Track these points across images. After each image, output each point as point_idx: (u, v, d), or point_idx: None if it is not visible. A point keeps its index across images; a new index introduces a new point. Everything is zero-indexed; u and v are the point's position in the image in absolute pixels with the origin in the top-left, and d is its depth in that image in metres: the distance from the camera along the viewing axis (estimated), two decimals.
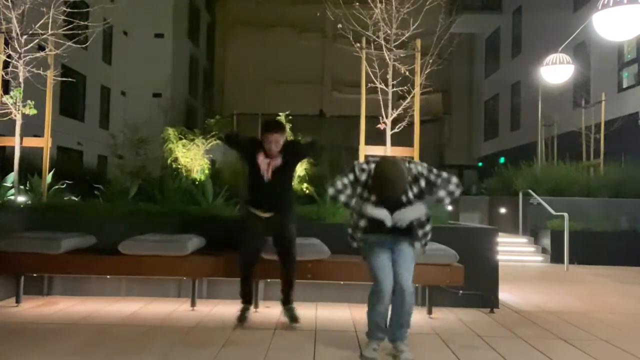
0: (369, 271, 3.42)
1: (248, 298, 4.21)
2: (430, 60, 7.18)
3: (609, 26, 7.18)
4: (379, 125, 6.83)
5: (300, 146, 4.43)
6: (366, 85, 6.95)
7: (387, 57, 6.90)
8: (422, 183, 3.28)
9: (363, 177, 3.27)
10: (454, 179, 3.26)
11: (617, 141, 12.75)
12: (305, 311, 4.58)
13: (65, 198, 6.73)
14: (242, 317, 4.10)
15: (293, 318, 4.09)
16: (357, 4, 7.62)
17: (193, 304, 4.59)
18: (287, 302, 4.17)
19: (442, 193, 3.25)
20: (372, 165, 3.26)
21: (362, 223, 3.38)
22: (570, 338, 3.98)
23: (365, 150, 6.72)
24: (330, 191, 3.32)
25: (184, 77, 28.29)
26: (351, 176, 3.30)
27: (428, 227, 3.44)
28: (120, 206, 5.59)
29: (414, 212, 3.26)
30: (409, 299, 3.30)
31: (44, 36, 6.76)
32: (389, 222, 3.21)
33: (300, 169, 10.59)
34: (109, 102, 24.03)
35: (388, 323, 3.40)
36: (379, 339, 3.41)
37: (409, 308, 3.32)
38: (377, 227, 3.30)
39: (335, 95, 29.91)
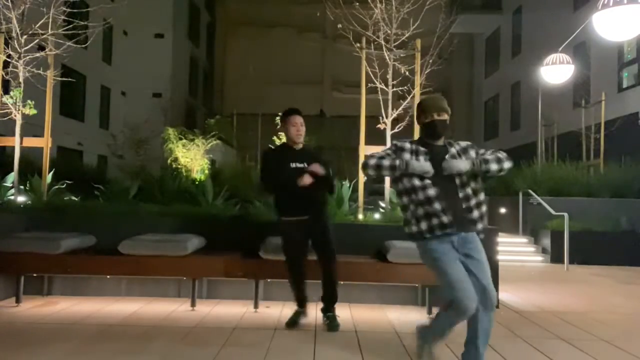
0: (443, 283, 2.90)
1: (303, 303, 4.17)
2: (430, 60, 7.18)
3: (609, 26, 7.18)
4: (379, 125, 6.83)
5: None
6: (366, 85, 6.95)
7: (387, 57, 6.90)
8: (472, 153, 2.96)
9: (405, 155, 2.92)
10: (500, 155, 2.91)
11: (617, 141, 12.76)
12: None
13: (65, 198, 6.73)
14: (293, 322, 4.06)
15: (333, 327, 3.99)
16: (357, 4, 7.62)
17: (193, 304, 4.59)
18: (327, 309, 4.10)
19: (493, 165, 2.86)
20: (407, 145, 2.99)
21: (421, 212, 2.86)
22: (570, 338, 3.98)
23: (365, 150, 6.71)
24: (372, 161, 2.91)
25: (184, 77, 28.29)
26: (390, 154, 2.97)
27: (484, 208, 2.96)
28: (120, 206, 5.60)
29: (463, 163, 2.83)
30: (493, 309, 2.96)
31: (44, 36, 6.76)
32: (430, 172, 2.82)
33: None
34: (109, 102, 24.03)
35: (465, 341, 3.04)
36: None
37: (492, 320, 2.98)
38: (436, 223, 2.83)
39: (335, 95, 29.93)
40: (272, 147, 4.29)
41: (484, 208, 2.94)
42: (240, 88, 28.74)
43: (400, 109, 7.02)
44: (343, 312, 4.58)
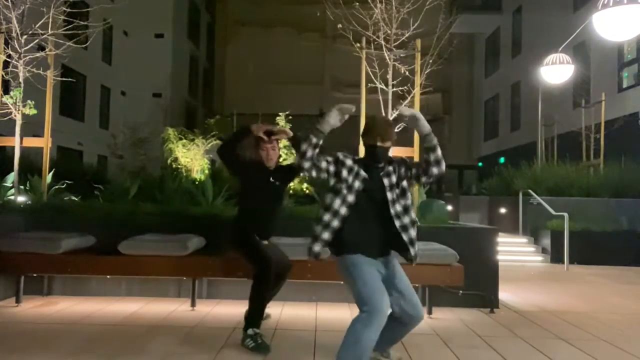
0: (356, 292, 2.76)
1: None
2: (430, 60, 7.17)
3: (609, 26, 7.18)
4: None
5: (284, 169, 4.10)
6: (366, 85, 6.95)
7: (387, 57, 6.89)
8: (403, 169, 2.95)
9: (345, 164, 2.87)
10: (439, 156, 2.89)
11: (617, 141, 12.76)
12: (305, 311, 4.59)
13: (65, 198, 6.72)
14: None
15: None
16: (357, 4, 7.62)
17: (193, 304, 4.60)
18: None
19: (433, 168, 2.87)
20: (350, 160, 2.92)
21: (336, 224, 2.81)
22: (570, 338, 3.98)
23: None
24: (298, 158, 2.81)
25: (184, 77, 28.32)
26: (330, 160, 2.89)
27: (414, 233, 2.95)
28: (120, 206, 5.60)
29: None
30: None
31: (44, 36, 6.76)
32: (334, 119, 2.75)
33: None
34: (109, 102, 24.05)
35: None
36: None
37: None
38: (359, 239, 2.82)
39: (335, 95, 29.91)
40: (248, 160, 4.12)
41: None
42: (240, 88, 28.76)
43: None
44: (343, 312, 4.58)
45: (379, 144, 2.88)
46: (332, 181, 2.90)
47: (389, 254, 2.98)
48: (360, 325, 2.68)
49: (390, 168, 2.95)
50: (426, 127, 2.84)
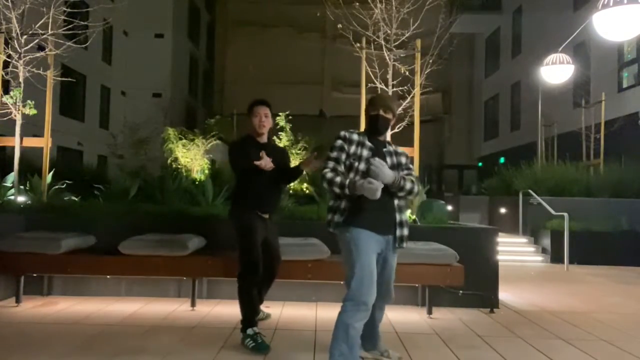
0: (351, 272, 2.91)
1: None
2: (430, 60, 7.17)
3: (609, 26, 7.18)
4: None
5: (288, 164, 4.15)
6: (366, 85, 6.95)
7: (387, 57, 6.89)
8: (403, 159, 3.17)
9: (352, 148, 3.00)
10: (414, 187, 3.05)
11: (617, 141, 12.76)
12: (305, 311, 4.59)
13: (65, 198, 6.72)
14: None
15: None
16: (357, 4, 7.62)
17: (193, 304, 4.60)
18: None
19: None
20: (355, 136, 3.04)
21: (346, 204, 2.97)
22: (570, 338, 3.98)
23: None
24: (327, 175, 2.93)
25: (184, 77, 28.31)
26: (340, 154, 3.00)
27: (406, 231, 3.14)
28: (120, 206, 5.60)
29: (389, 173, 2.87)
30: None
31: (44, 36, 6.76)
32: (377, 196, 2.75)
33: None
34: (109, 102, 24.04)
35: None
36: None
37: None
38: (368, 211, 2.90)
39: (335, 95, 29.91)
40: (238, 139, 3.99)
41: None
42: (240, 88, 28.72)
43: (400, 109, 7.01)
44: None
45: (381, 113, 3.09)
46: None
47: (391, 233, 3.05)
48: (346, 318, 2.88)
49: (392, 149, 3.18)
50: (386, 179, 2.86)
